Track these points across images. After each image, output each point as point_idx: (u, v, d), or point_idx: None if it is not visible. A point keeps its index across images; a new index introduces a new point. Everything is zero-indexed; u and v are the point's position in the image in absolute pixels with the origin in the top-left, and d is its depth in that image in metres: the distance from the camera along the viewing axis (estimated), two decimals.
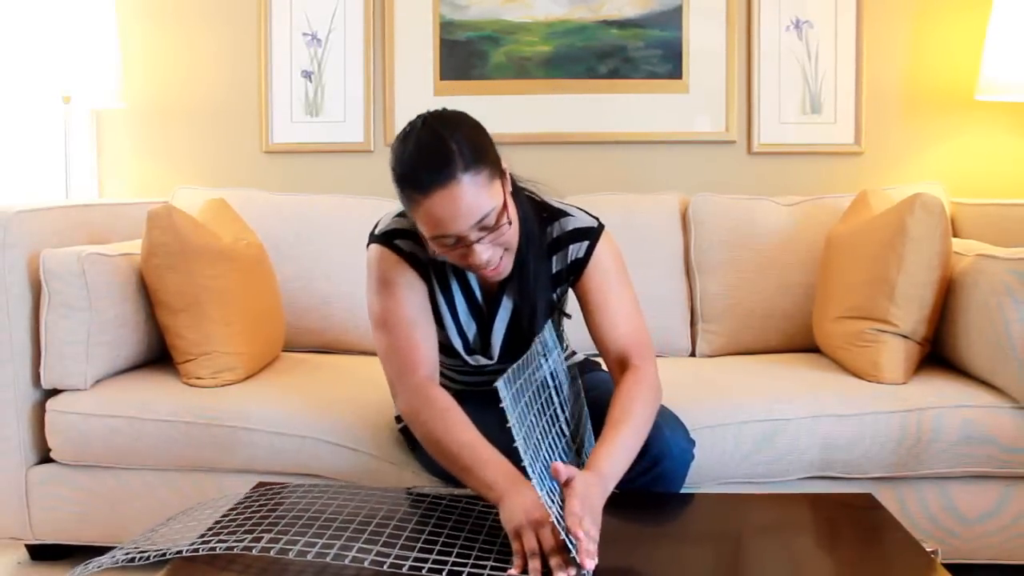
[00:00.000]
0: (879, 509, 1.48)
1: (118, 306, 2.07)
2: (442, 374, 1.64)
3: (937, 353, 2.15)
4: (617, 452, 1.38)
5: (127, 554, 1.24)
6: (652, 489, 1.56)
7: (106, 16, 2.66)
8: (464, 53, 2.81)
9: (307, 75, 2.86)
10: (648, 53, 2.78)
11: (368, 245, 1.59)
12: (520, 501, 1.25)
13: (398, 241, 1.54)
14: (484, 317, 1.61)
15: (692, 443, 1.63)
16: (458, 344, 1.60)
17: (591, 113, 2.80)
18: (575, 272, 1.58)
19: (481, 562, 1.18)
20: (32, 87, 2.61)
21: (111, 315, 2.05)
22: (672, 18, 2.78)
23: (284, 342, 2.42)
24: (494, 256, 1.41)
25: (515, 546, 1.20)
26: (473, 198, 1.35)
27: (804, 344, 2.38)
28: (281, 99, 2.87)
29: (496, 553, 1.21)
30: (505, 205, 1.40)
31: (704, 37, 2.78)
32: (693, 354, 2.50)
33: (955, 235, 2.39)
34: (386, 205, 2.57)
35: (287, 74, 2.86)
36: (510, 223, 1.41)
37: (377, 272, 1.55)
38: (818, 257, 2.39)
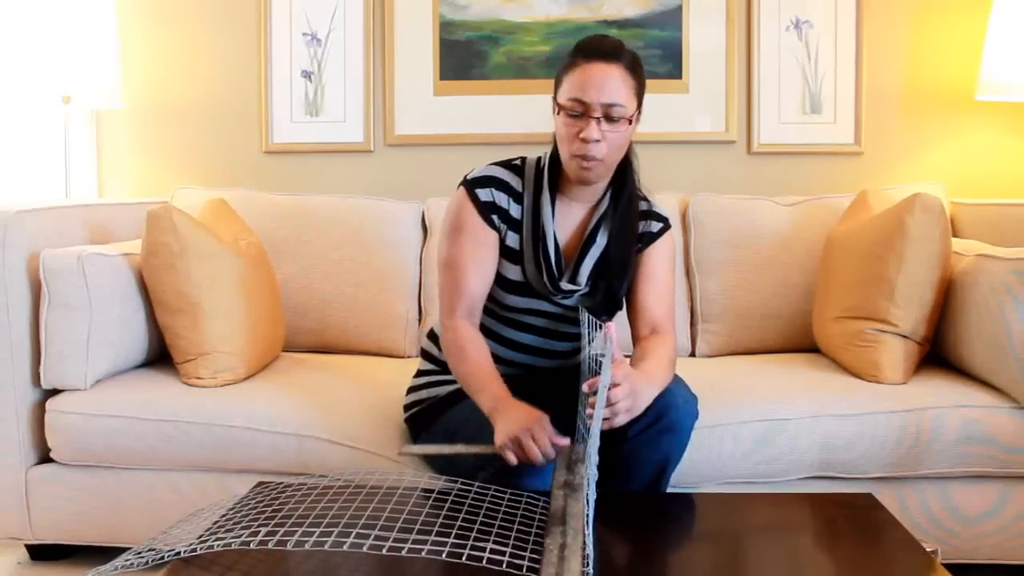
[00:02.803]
0: (879, 509, 1.48)
1: (118, 306, 2.08)
2: (498, 338, 1.77)
3: (937, 353, 2.15)
4: (653, 368, 1.56)
5: (127, 560, 1.25)
6: (660, 443, 1.59)
7: (106, 16, 2.66)
8: (464, 53, 2.81)
9: (307, 75, 2.86)
10: (648, 53, 2.78)
11: (458, 187, 1.74)
12: (510, 416, 1.47)
13: (479, 190, 1.70)
14: (562, 258, 1.73)
15: (695, 398, 1.67)
16: (542, 277, 1.70)
17: None
18: (643, 242, 1.75)
19: (480, 543, 1.17)
20: (32, 87, 2.61)
21: (111, 315, 2.05)
22: (672, 18, 2.78)
23: (284, 342, 2.42)
24: (600, 146, 1.59)
25: (510, 456, 1.42)
26: (619, 85, 1.58)
27: (804, 344, 2.38)
28: (281, 99, 2.87)
29: (495, 535, 1.21)
30: (631, 119, 1.61)
31: (704, 37, 2.78)
32: (693, 354, 2.50)
33: (955, 235, 2.39)
34: (386, 206, 2.58)
35: (287, 74, 2.86)
36: (628, 125, 1.61)
37: (451, 217, 1.72)
38: (818, 257, 2.39)
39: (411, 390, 1.85)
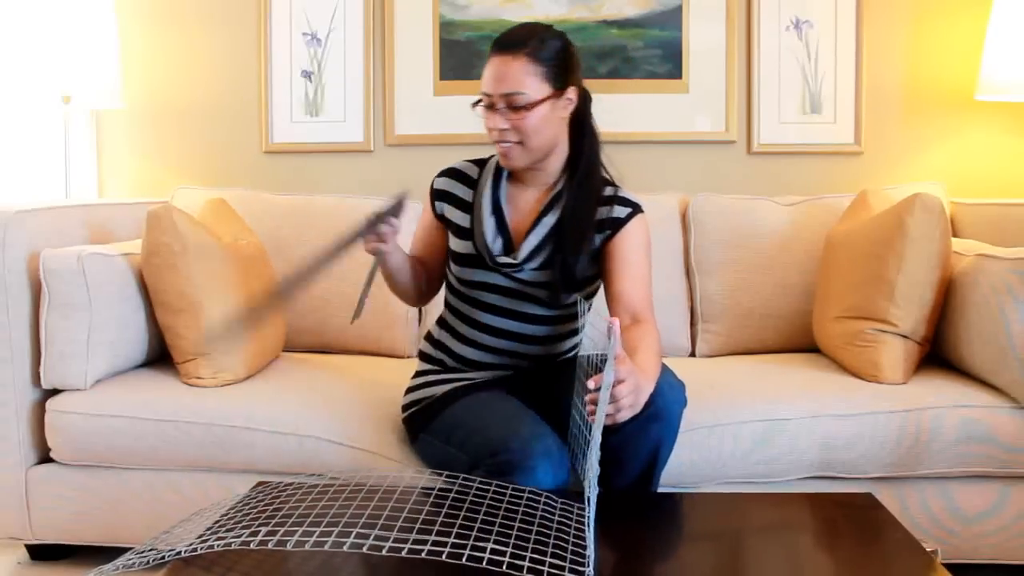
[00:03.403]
0: (879, 509, 1.48)
1: (118, 306, 2.08)
2: (480, 326, 1.82)
3: (937, 353, 2.15)
4: (646, 361, 1.54)
5: (128, 560, 1.25)
6: (649, 431, 1.59)
7: (106, 16, 2.66)
8: (464, 53, 2.81)
9: (307, 75, 2.86)
10: (648, 53, 2.78)
11: None
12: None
13: (438, 179, 1.87)
14: (511, 236, 1.78)
15: (681, 384, 1.67)
16: (492, 245, 1.77)
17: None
18: (612, 228, 1.75)
19: (480, 543, 1.17)
20: (32, 87, 2.61)
21: (111, 315, 2.05)
22: (672, 18, 2.78)
23: (284, 342, 2.42)
24: (506, 134, 1.68)
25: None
26: (516, 74, 1.65)
27: (804, 344, 2.38)
28: (281, 99, 2.87)
29: (496, 535, 1.21)
30: (538, 103, 1.66)
31: (704, 37, 2.78)
32: (693, 354, 2.50)
33: (955, 235, 2.39)
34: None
35: (287, 74, 2.86)
36: (528, 112, 1.65)
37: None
38: (818, 257, 2.39)
39: (408, 391, 1.87)
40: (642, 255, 1.76)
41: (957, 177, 2.74)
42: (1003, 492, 1.92)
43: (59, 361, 2.00)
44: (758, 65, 2.78)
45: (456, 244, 1.82)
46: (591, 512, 1.21)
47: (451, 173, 1.86)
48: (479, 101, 1.71)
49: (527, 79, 1.65)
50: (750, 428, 1.89)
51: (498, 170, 1.81)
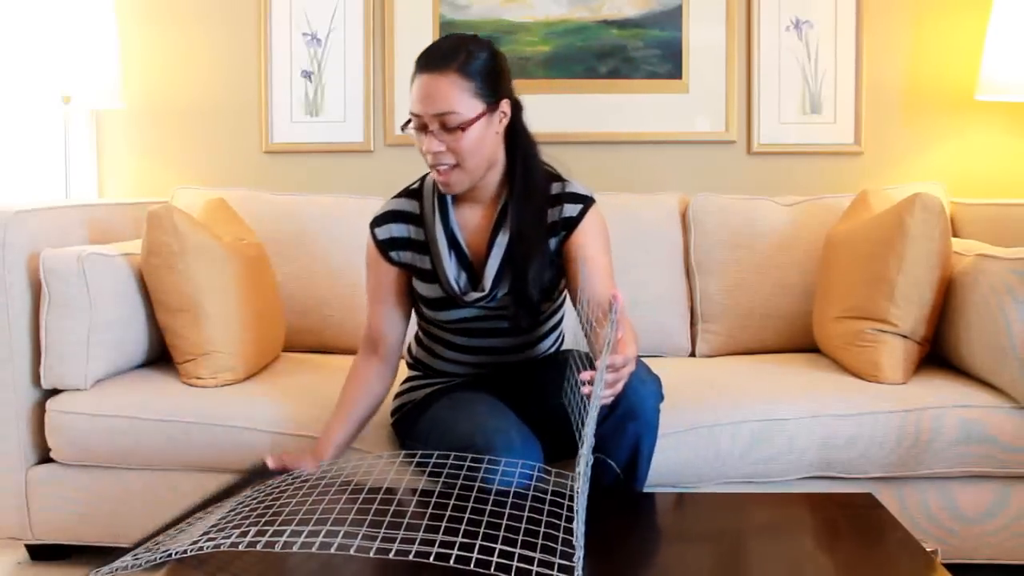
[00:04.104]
0: (879, 509, 1.48)
1: (118, 306, 2.08)
2: (459, 347, 1.80)
3: (937, 353, 2.15)
4: (630, 341, 1.45)
5: (123, 563, 1.25)
6: (626, 430, 1.57)
7: (106, 16, 2.66)
8: None
9: (307, 75, 2.86)
10: (648, 53, 2.78)
11: None
12: (318, 448, 1.71)
13: (378, 229, 1.76)
14: (473, 265, 1.73)
15: (655, 379, 1.64)
16: (455, 286, 1.72)
17: (591, 113, 2.80)
18: (567, 228, 1.70)
19: (469, 541, 1.17)
20: (32, 87, 2.61)
21: (111, 315, 2.05)
22: (672, 18, 2.78)
23: (284, 342, 2.42)
24: (441, 156, 1.60)
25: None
26: (446, 92, 1.57)
27: (804, 344, 2.38)
28: (281, 99, 2.87)
29: (482, 538, 1.20)
30: (472, 121, 1.59)
31: (704, 37, 2.78)
32: (693, 354, 2.50)
33: (955, 235, 2.39)
34: None
35: (287, 74, 2.86)
36: (463, 132, 1.58)
37: (365, 254, 1.81)
38: (818, 257, 2.39)
39: (395, 396, 1.89)
40: (601, 249, 1.71)
41: (957, 177, 2.73)
42: (1003, 492, 1.92)
43: (59, 361, 2.00)
44: (758, 65, 2.78)
45: (423, 288, 1.75)
46: (581, 503, 1.19)
47: (391, 217, 1.75)
48: (408, 122, 1.63)
49: (459, 97, 1.58)
50: (750, 428, 1.89)
51: (440, 197, 1.72)
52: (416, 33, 2.81)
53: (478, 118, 1.60)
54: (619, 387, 1.37)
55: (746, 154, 2.81)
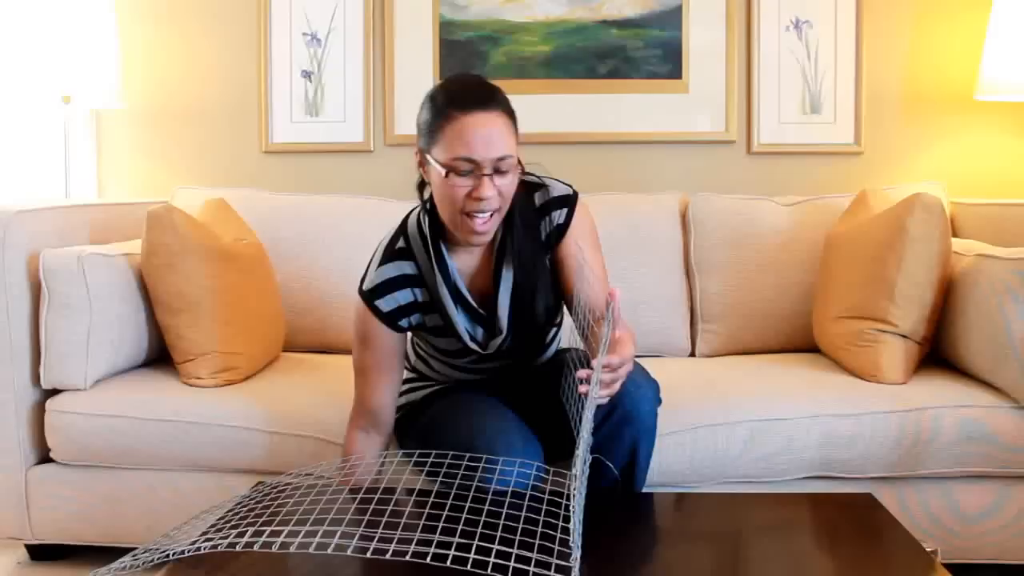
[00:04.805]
0: (879, 509, 1.48)
1: (118, 306, 2.08)
2: (462, 368, 1.76)
3: (937, 353, 2.15)
4: (627, 340, 1.43)
5: (121, 564, 1.25)
6: (623, 435, 1.56)
7: (106, 16, 2.66)
8: (464, 53, 2.81)
9: (307, 75, 2.86)
10: (648, 53, 2.78)
11: (359, 295, 1.67)
12: None
13: (379, 301, 1.63)
14: (484, 315, 1.66)
15: (653, 383, 1.63)
16: (472, 344, 1.66)
17: (591, 113, 2.80)
18: (558, 236, 1.65)
19: (466, 541, 1.17)
20: (32, 87, 2.61)
21: (111, 315, 2.05)
22: (672, 18, 2.78)
23: (284, 342, 2.42)
24: (493, 200, 1.49)
25: None
26: (504, 134, 1.48)
27: (804, 344, 2.38)
28: (281, 99, 2.87)
29: (479, 539, 1.20)
30: (519, 163, 1.52)
31: (704, 37, 2.78)
32: (693, 354, 2.50)
33: (955, 235, 2.39)
34: (386, 206, 2.58)
35: (287, 74, 2.86)
36: (512, 174, 1.51)
37: (357, 328, 1.68)
38: (818, 257, 2.39)
39: None
40: (591, 249, 1.66)
41: (957, 177, 2.73)
42: (1003, 492, 1.92)
43: (59, 361, 2.00)
44: (758, 65, 2.78)
45: (439, 342, 1.70)
46: (578, 503, 1.19)
47: (389, 286, 1.62)
48: (452, 171, 1.46)
49: (509, 138, 1.49)
50: (750, 427, 1.89)
51: (435, 250, 1.61)
52: (416, 33, 2.81)
53: (518, 160, 1.52)
54: (616, 387, 1.36)
55: (746, 154, 2.81)
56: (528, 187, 1.64)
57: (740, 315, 2.45)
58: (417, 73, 2.83)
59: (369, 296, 1.63)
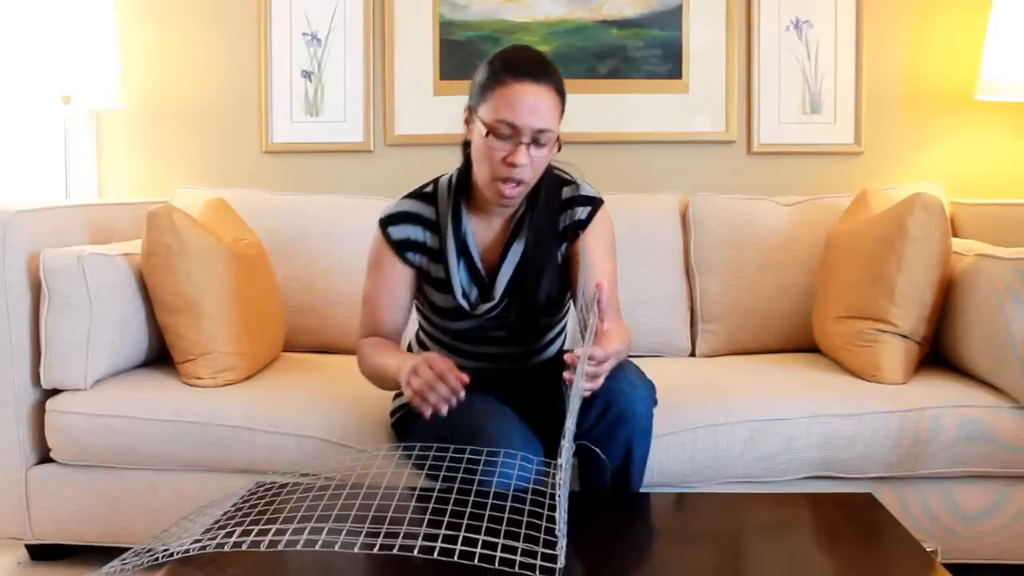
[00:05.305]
0: (879, 509, 1.48)
1: (118, 306, 2.07)
2: (461, 352, 1.79)
3: (937, 353, 2.15)
4: (613, 336, 1.47)
5: (123, 561, 1.25)
6: (617, 435, 1.57)
7: (106, 16, 2.66)
8: (464, 53, 2.81)
9: (307, 75, 2.86)
10: (648, 53, 2.78)
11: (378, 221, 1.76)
12: (409, 359, 1.54)
13: (392, 228, 1.71)
14: (484, 278, 1.72)
15: (648, 384, 1.63)
16: (463, 301, 1.71)
17: (591, 113, 2.80)
18: (575, 231, 1.71)
19: (472, 535, 1.17)
20: (32, 87, 2.61)
21: (111, 315, 2.05)
22: (672, 18, 2.78)
23: (284, 342, 2.42)
24: (526, 170, 1.56)
25: (410, 391, 1.49)
26: (549, 108, 1.54)
27: (804, 344, 2.38)
28: (281, 99, 2.87)
29: (484, 534, 1.20)
30: (556, 141, 1.58)
31: (704, 37, 2.78)
32: (693, 354, 2.50)
33: (955, 235, 2.39)
34: (386, 205, 2.57)
35: (287, 74, 2.86)
36: (548, 149, 1.58)
37: (370, 254, 1.77)
38: (818, 257, 2.39)
39: (395, 396, 1.87)
40: (606, 252, 1.71)
41: (957, 177, 2.73)
42: (1003, 492, 1.92)
43: (59, 361, 2.00)
44: (758, 65, 2.78)
45: (436, 297, 1.73)
46: (563, 494, 1.19)
47: (405, 218, 1.71)
48: (493, 132, 1.54)
49: (554, 114, 1.56)
50: (750, 427, 1.89)
51: (455, 205, 1.69)
52: (416, 33, 2.81)
53: (558, 138, 1.59)
54: (599, 382, 1.39)
55: (746, 154, 2.81)
56: (560, 180, 1.73)
57: (740, 315, 2.45)
58: (417, 73, 2.83)
59: (384, 222, 1.72)
